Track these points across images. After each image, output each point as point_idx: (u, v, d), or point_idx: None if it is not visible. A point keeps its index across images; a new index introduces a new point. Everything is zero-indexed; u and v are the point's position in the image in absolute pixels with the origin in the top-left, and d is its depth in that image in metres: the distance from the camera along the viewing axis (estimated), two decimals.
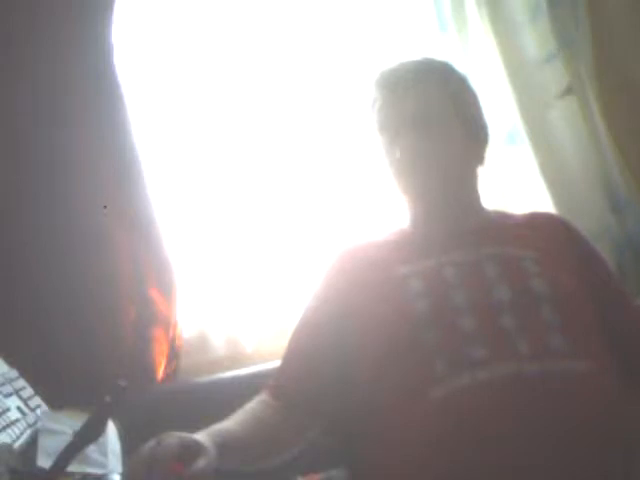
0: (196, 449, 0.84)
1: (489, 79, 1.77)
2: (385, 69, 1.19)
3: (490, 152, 1.22)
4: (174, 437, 0.83)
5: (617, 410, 0.92)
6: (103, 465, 1.04)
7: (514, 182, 1.78)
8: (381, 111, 1.15)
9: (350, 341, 1.06)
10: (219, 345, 1.66)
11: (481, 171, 1.20)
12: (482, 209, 1.19)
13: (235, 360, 1.62)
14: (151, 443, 0.82)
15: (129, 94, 1.62)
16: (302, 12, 1.81)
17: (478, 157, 1.19)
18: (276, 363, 1.16)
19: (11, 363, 1.18)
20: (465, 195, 1.17)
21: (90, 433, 0.92)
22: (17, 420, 1.06)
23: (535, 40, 1.76)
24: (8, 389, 1.11)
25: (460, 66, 1.57)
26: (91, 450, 1.00)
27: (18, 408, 1.10)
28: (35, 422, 1.09)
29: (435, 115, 1.13)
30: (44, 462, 0.97)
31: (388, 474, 0.96)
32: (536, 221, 1.19)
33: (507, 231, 1.14)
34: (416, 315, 1.00)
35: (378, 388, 1.00)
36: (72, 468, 0.94)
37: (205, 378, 1.54)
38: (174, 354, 1.60)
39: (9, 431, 1.02)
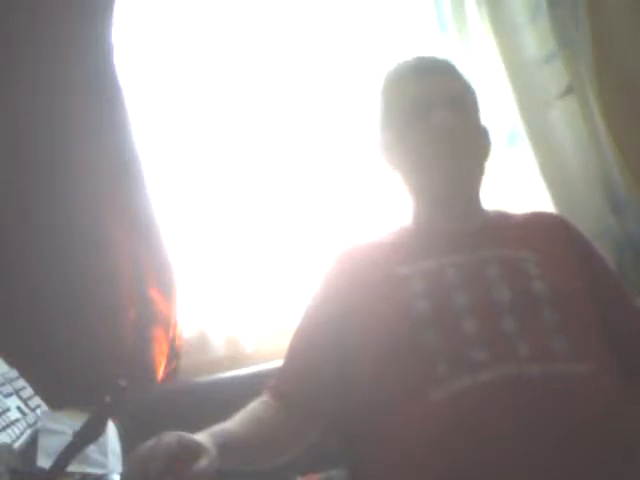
0: (196, 449, 0.84)
1: (489, 79, 1.77)
2: (392, 66, 1.20)
3: (490, 153, 1.22)
4: (173, 436, 0.83)
5: (617, 410, 0.92)
6: (103, 465, 1.04)
7: (514, 182, 1.78)
8: (395, 95, 1.16)
9: (350, 341, 1.06)
10: (219, 345, 1.66)
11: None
12: (482, 209, 1.19)
13: (235, 360, 1.62)
14: (150, 442, 0.82)
15: (129, 94, 1.62)
16: (302, 12, 1.81)
17: (485, 155, 1.19)
18: (276, 363, 1.16)
19: (11, 363, 1.18)
20: (466, 196, 1.17)
21: (90, 433, 0.92)
22: (17, 420, 1.06)
23: (535, 40, 1.76)
24: (8, 389, 1.11)
25: (460, 66, 1.56)
26: (91, 450, 1.00)
27: (18, 408, 1.10)
28: (35, 422, 1.09)
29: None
30: (44, 462, 0.97)
31: (388, 474, 0.95)
32: (536, 221, 1.18)
33: (507, 232, 1.14)
34: (417, 315, 1.00)
35: (378, 388, 1.00)
36: (72, 468, 0.94)
37: (205, 378, 1.53)
38: (174, 354, 1.60)
39: (9, 431, 1.02)
